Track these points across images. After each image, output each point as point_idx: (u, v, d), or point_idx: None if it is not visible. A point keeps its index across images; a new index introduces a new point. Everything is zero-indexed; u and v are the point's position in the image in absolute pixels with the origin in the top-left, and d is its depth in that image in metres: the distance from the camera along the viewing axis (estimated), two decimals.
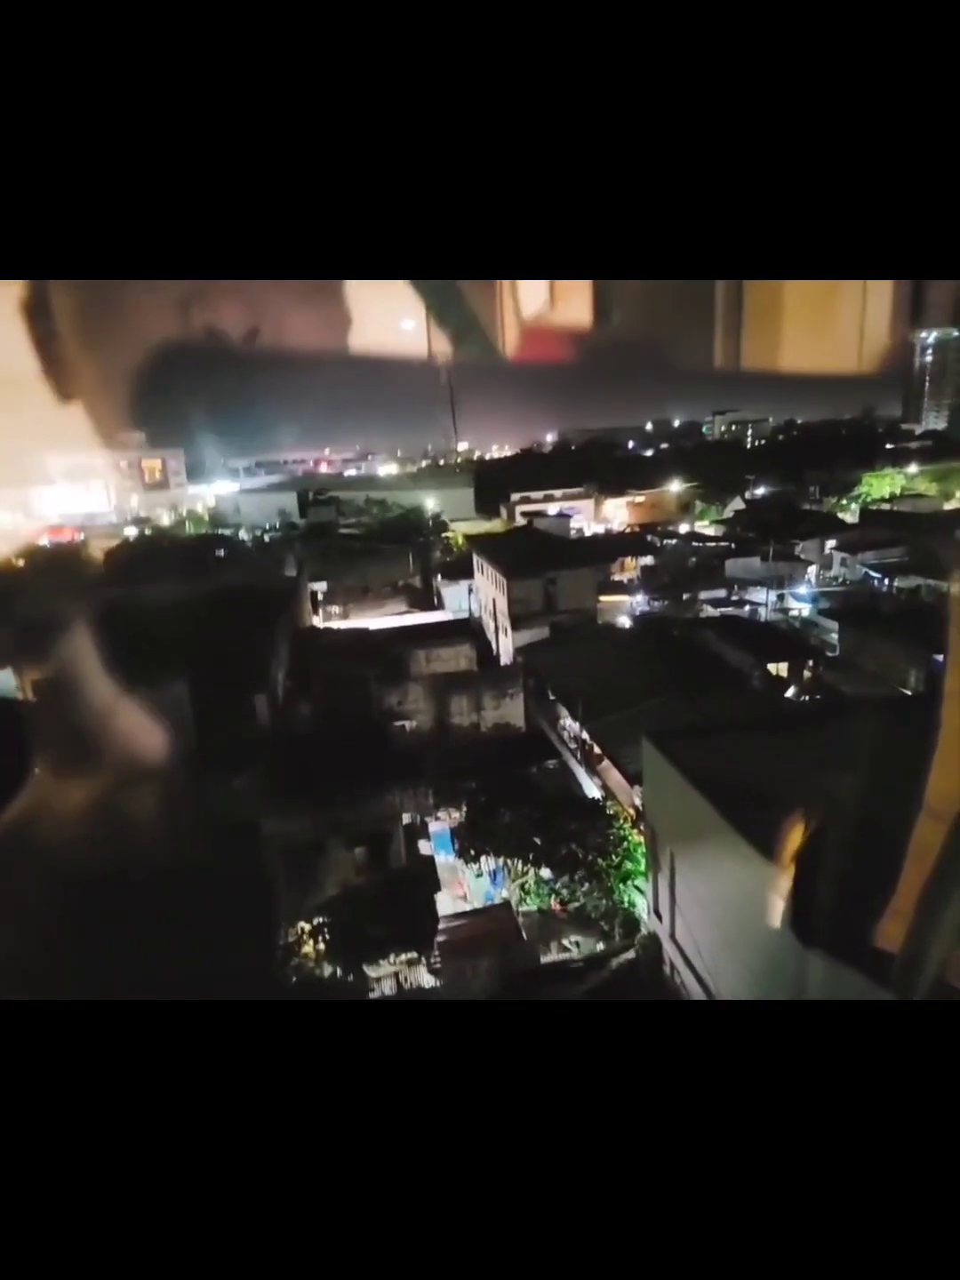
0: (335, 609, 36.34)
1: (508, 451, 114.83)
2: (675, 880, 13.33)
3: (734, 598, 34.05)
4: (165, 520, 69.97)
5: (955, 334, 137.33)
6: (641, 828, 15.28)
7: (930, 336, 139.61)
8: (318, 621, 34.33)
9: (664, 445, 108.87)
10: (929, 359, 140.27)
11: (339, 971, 13.52)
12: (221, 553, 47.28)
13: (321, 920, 14.00)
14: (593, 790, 19.42)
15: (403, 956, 13.90)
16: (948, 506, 52.17)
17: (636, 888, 15.00)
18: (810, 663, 24.83)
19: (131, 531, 61.45)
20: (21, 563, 45.20)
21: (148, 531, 61.61)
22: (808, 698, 23.07)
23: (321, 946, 13.65)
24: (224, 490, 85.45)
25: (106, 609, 25.83)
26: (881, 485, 61.25)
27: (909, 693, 22.62)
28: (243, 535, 59.41)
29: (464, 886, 17.03)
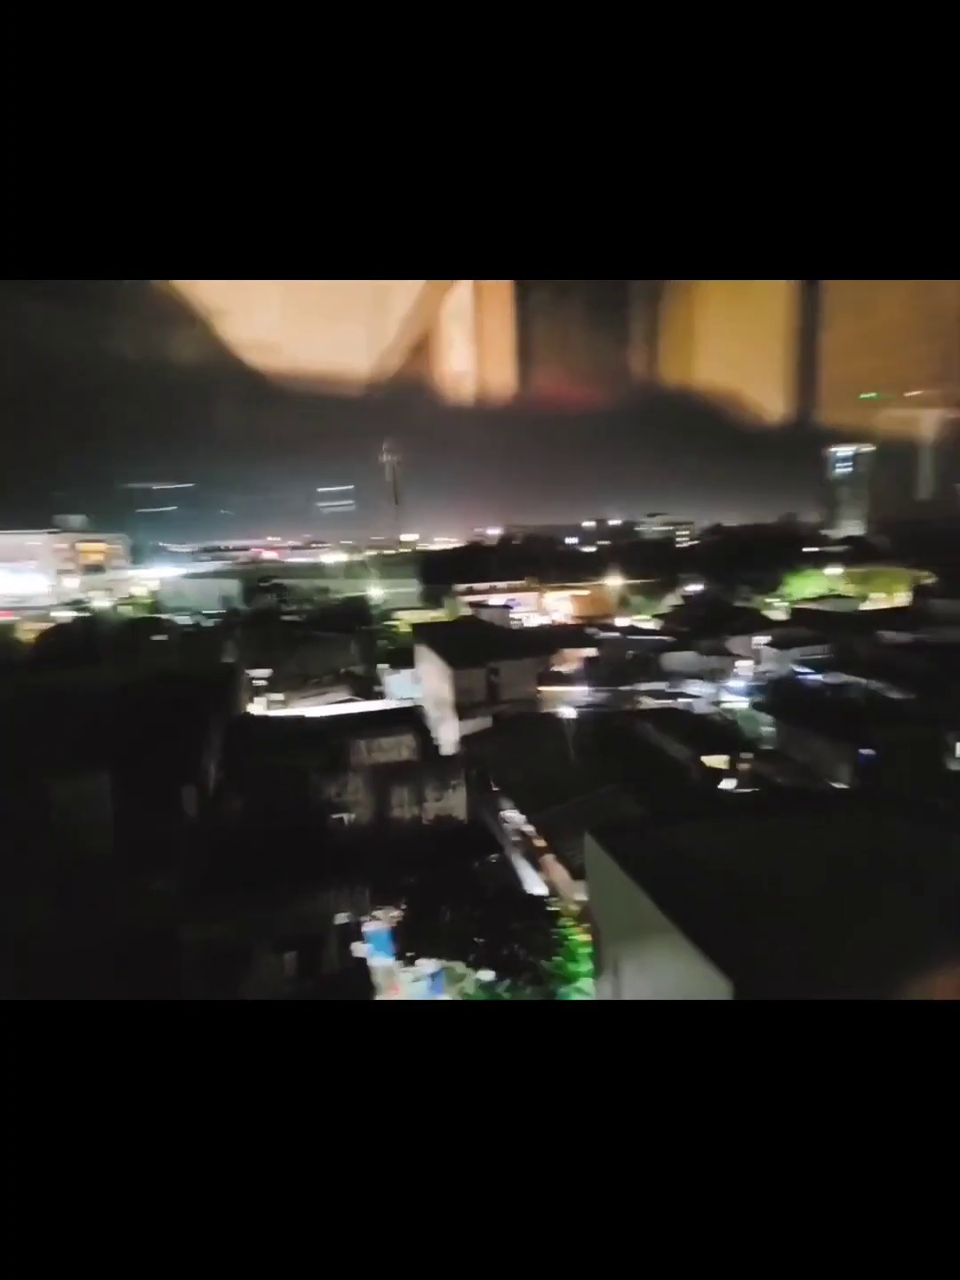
0: (276, 696, 35.51)
1: (453, 543, 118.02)
2: (621, 981, 12.89)
3: (671, 690, 34.92)
4: (103, 604, 68.20)
5: (867, 448, 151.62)
6: (586, 926, 14.85)
7: (844, 451, 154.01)
8: (257, 709, 33.40)
9: (602, 542, 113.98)
10: (845, 470, 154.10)
11: None
12: (160, 638, 46.11)
13: None
14: (536, 885, 18.89)
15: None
16: (865, 606, 55.70)
17: (580, 990, 14.40)
18: (745, 755, 25.36)
19: (66, 615, 59.55)
20: None
21: (83, 615, 59.81)
22: (744, 789, 23.40)
23: None
24: (167, 575, 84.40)
25: (29, 693, 24.54)
26: (806, 584, 65.32)
27: (840, 785, 23.25)
28: (183, 620, 58.35)
29: (400, 991, 16.01)
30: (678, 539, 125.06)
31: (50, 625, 53.04)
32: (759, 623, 46.65)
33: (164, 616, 60.17)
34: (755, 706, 32.17)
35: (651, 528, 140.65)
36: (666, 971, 11.19)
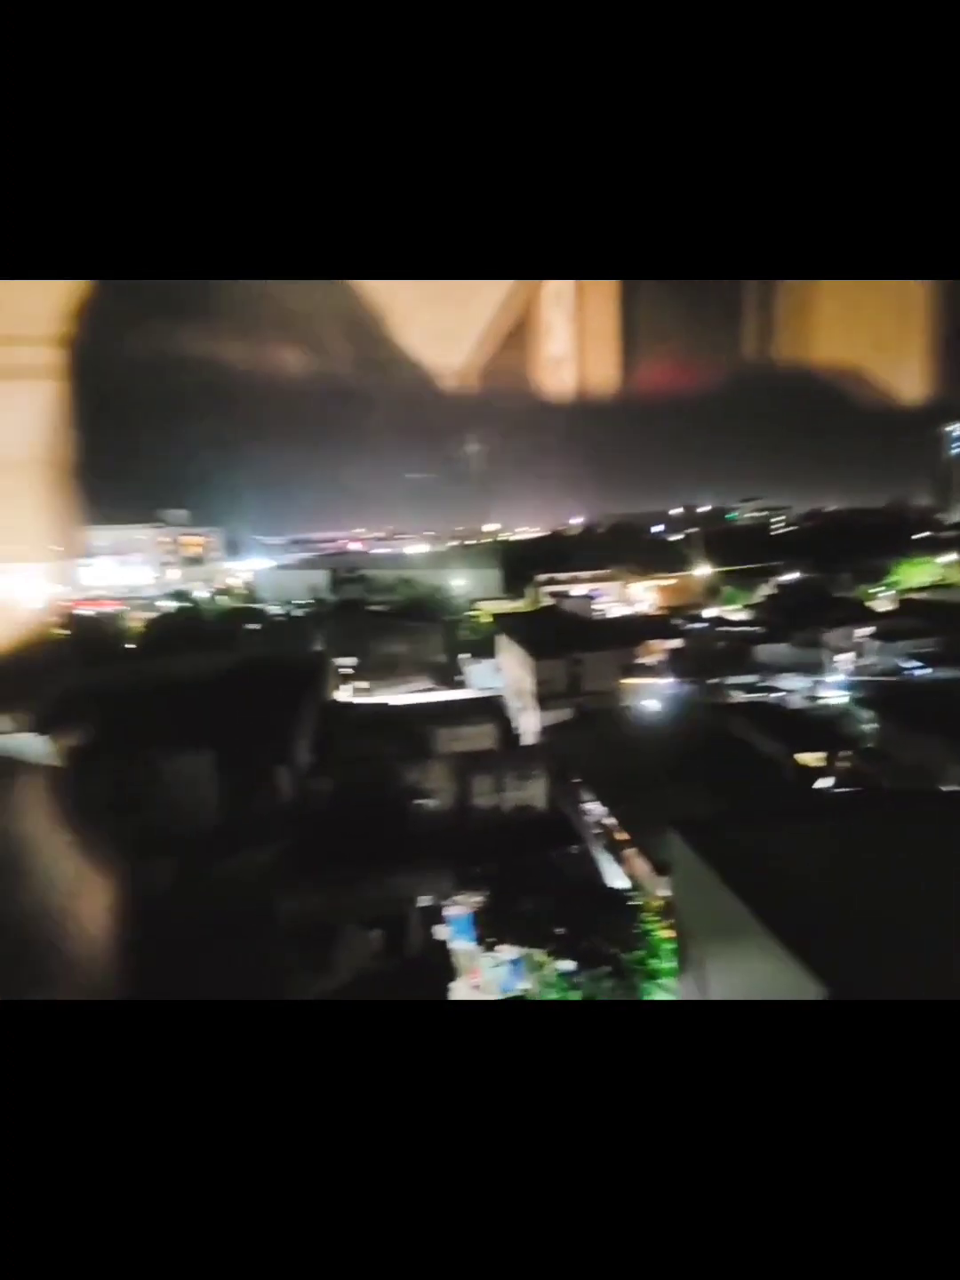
0: (361, 684, 36.60)
1: (535, 533, 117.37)
2: (705, 981, 12.59)
3: (763, 684, 33.57)
4: (201, 595, 72.15)
5: None
6: (669, 922, 14.58)
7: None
8: (344, 696, 34.54)
9: (691, 529, 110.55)
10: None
11: None
12: (253, 627, 48.37)
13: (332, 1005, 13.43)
14: (618, 879, 18.70)
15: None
16: None
17: (662, 987, 14.17)
18: (844, 753, 24.09)
19: (169, 605, 63.37)
20: (65, 633, 46.70)
21: (184, 605, 63.49)
22: (843, 789, 22.27)
23: None
24: (259, 566, 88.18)
25: (140, 679, 26.36)
26: (915, 574, 60.87)
27: (950, 788, 21.73)
28: (275, 610, 60.87)
29: (480, 976, 16.26)
30: (773, 525, 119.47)
31: (155, 614, 56.52)
32: (862, 614, 44.03)
33: (257, 606, 62.96)
34: (856, 702, 30.47)
35: (744, 513, 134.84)
36: (756, 973, 10.85)
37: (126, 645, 43.91)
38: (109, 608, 62.66)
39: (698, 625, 44.26)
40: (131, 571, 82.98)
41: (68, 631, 47.06)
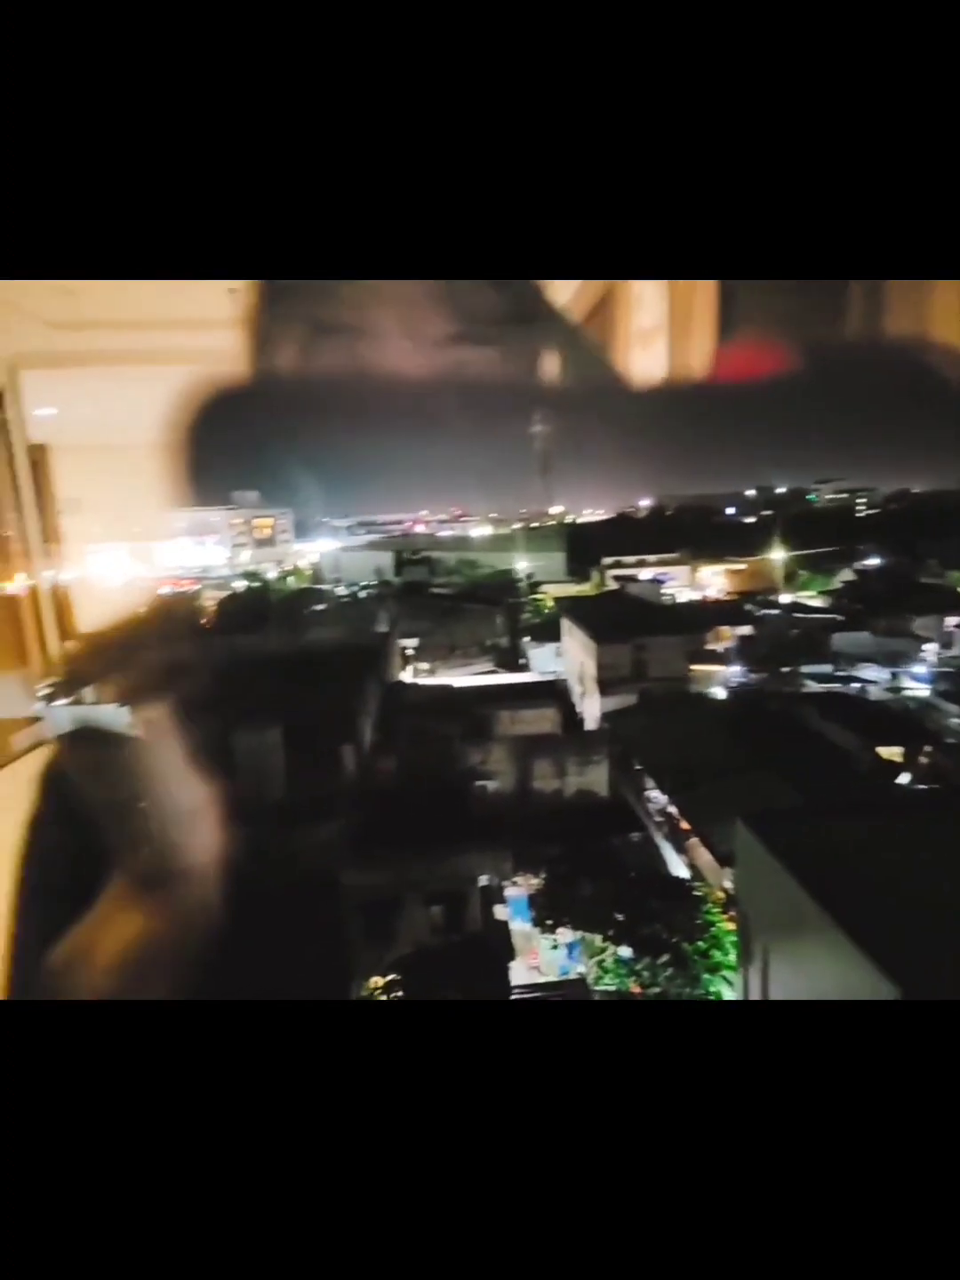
0: (424, 665, 37.03)
1: (601, 515, 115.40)
2: (769, 977, 12.27)
3: (840, 673, 32.16)
4: (271, 575, 74.35)
5: None
6: (733, 914, 14.27)
7: None
8: (407, 676, 35.04)
9: (767, 512, 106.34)
10: None
11: None
12: (319, 607, 49.56)
13: (394, 977, 13.77)
14: (679, 868, 18.40)
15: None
16: None
17: (725, 979, 13.91)
18: (927, 748, 22.88)
19: (240, 585, 65.62)
20: (144, 611, 49.06)
21: (254, 585, 65.60)
22: (924, 785, 21.18)
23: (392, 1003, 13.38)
24: (326, 548, 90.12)
25: (213, 655, 27.43)
26: None
27: None
28: (340, 591, 62.18)
29: (538, 957, 16.35)
30: (856, 507, 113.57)
31: (227, 594, 58.64)
32: (950, 601, 41.54)
33: (324, 587, 64.46)
34: (940, 695, 28.86)
35: (824, 495, 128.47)
36: (823, 971, 10.50)
37: (201, 623, 45.79)
38: (185, 587, 65.41)
39: (771, 611, 42.72)
40: (206, 552, 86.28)
41: (148, 609, 49.41)
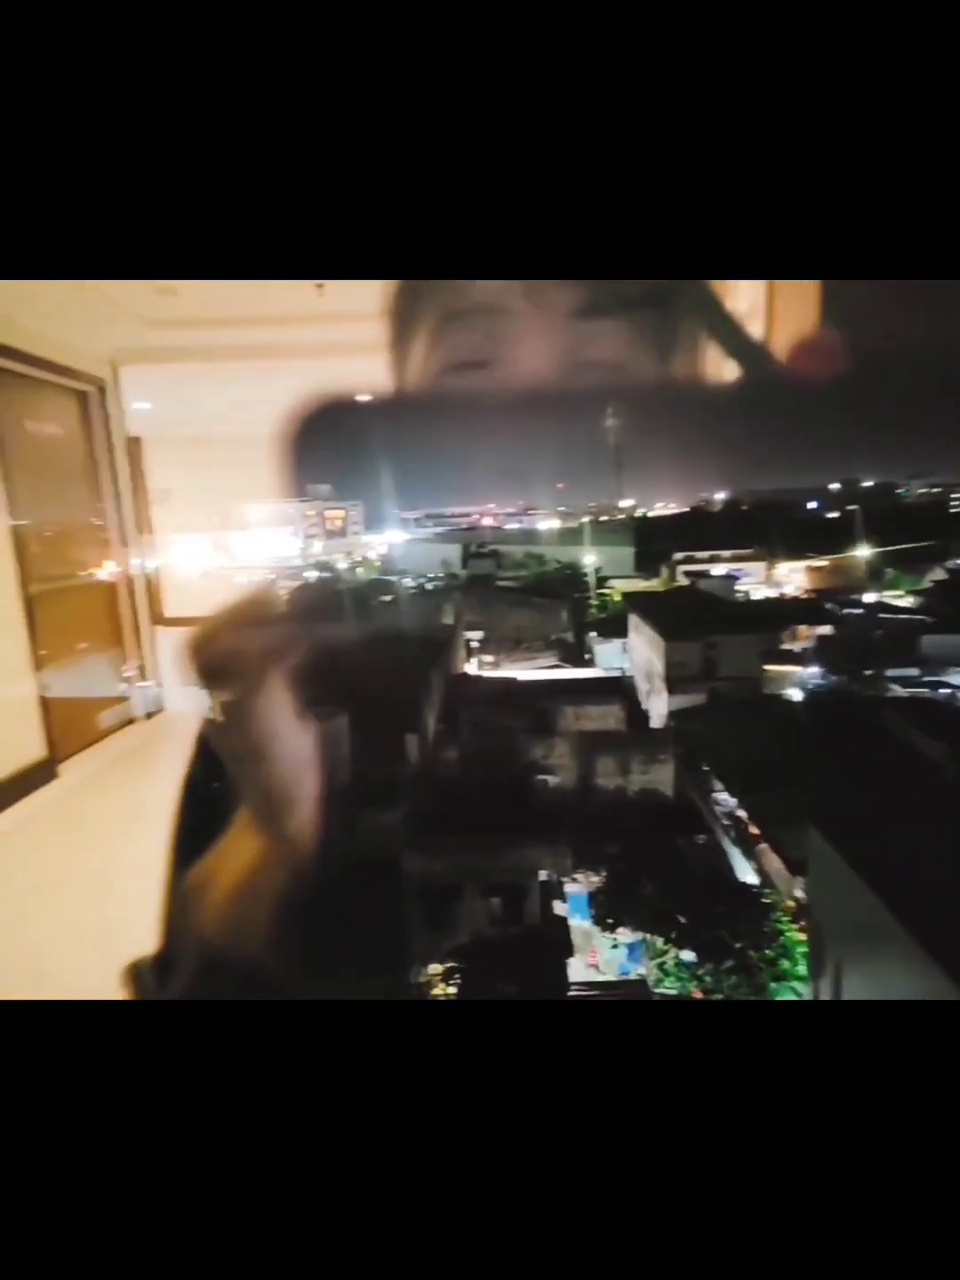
0: (488, 658, 37.16)
1: (673, 509, 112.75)
2: (841, 989, 11.79)
3: (928, 678, 30.39)
4: (341, 566, 76.04)
5: None
6: (804, 924, 13.76)
7: None
8: (471, 669, 35.24)
9: (852, 507, 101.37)
10: None
11: None
12: (387, 598, 50.38)
13: (453, 965, 13.94)
14: (747, 873, 17.87)
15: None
16: None
17: (794, 990, 13.44)
18: None
19: (312, 575, 67.39)
20: (221, 599, 51.06)
21: (325, 576, 67.22)
22: None
23: (452, 990, 13.55)
24: (395, 539, 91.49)
25: (285, 644, 28.31)
26: None
27: None
28: (407, 583, 63.00)
29: (597, 956, 16.23)
30: (951, 503, 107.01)
31: (299, 584, 60.40)
32: None
33: (391, 578, 65.47)
34: None
35: (915, 489, 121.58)
36: (899, 987, 10.02)
37: (274, 612, 47.25)
38: (261, 577, 67.64)
39: (854, 611, 40.75)
40: (281, 543, 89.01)
41: (224, 598, 51.36)
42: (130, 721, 8.61)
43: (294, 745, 2.25)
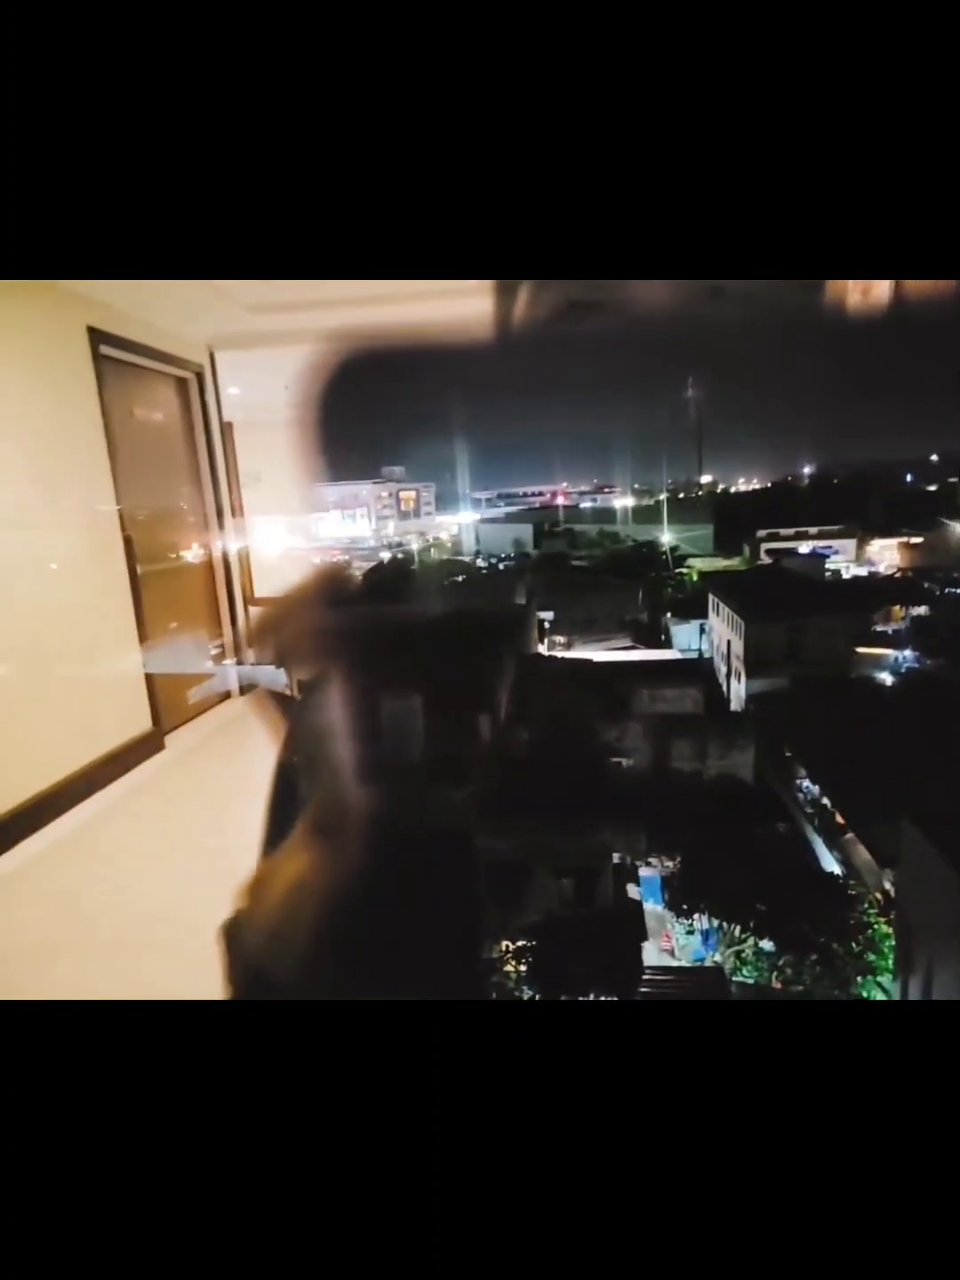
0: (560, 639, 36.89)
1: (755, 485, 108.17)
2: (931, 986, 11.22)
3: None
4: (415, 546, 76.94)
5: None
6: (892, 919, 13.13)
7: None
8: (544, 649, 35.10)
9: (953, 479, 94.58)
10: None
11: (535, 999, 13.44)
12: (460, 578, 50.69)
13: (525, 944, 14.06)
14: (831, 865, 17.18)
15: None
16: None
17: (879, 985, 12.89)
18: None
19: (386, 555, 68.50)
20: (299, 579, 52.70)
21: (400, 556, 68.23)
22: None
23: (523, 970, 13.69)
24: (466, 520, 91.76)
25: (360, 623, 29.05)
26: None
27: None
28: (480, 563, 63.13)
29: (672, 941, 16.02)
30: None
31: (373, 565, 61.51)
32: None
33: (464, 559, 65.76)
34: None
35: None
36: None
37: (350, 592, 48.40)
38: (335, 557, 69.36)
39: (953, 590, 38.13)
40: (354, 524, 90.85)
41: (301, 578, 52.96)
42: (227, 696, 9.04)
43: (366, 723, 2.28)
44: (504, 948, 14.06)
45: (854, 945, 13.20)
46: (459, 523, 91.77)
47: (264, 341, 8.69)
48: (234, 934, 2.53)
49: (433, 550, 78.17)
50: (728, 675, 28.50)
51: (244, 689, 9.06)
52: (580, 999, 12.66)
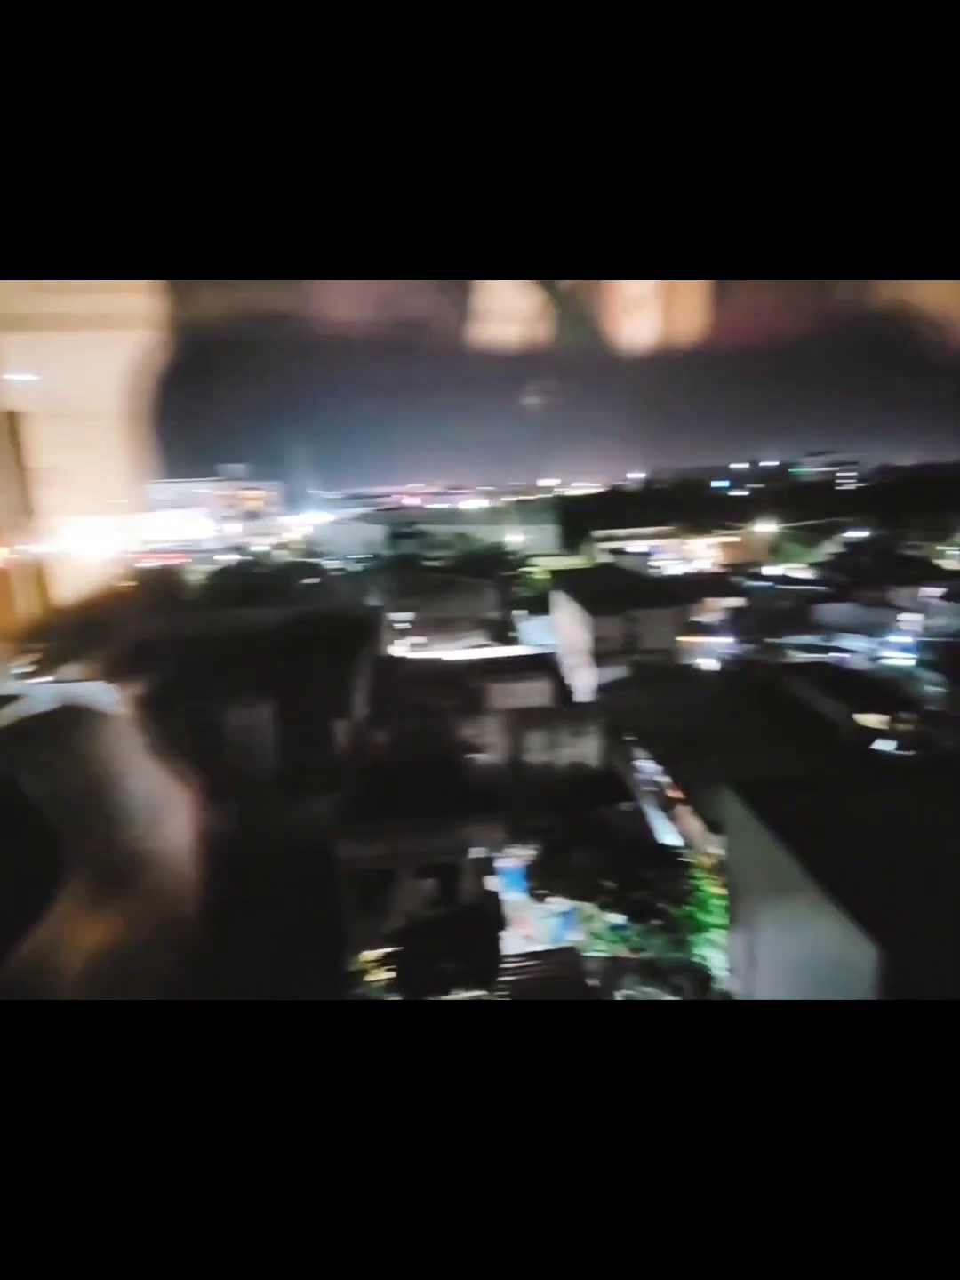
0: (416, 639, 37.00)
1: (593, 488, 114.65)
2: (756, 938, 12.58)
3: (826, 644, 32.44)
4: (260, 548, 73.61)
5: None
6: (721, 880, 14.57)
7: None
8: (399, 651, 35.01)
9: (755, 485, 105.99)
10: None
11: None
12: (311, 581, 49.14)
13: (390, 950, 13.98)
14: (669, 836, 18.71)
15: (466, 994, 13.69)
16: None
17: (711, 942, 14.24)
18: (906, 715, 23.21)
19: (228, 558, 64.91)
20: (129, 585, 48.52)
21: (243, 559, 64.93)
22: (903, 751, 21.55)
23: (389, 975, 13.61)
24: (316, 521, 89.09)
25: (201, 631, 27.31)
26: None
27: None
28: (331, 565, 61.66)
29: (531, 926, 16.65)
30: (840, 480, 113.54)
31: (215, 568, 57.98)
32: (931, 573, 41.84)
33: (314, 560, 63.88)
34: (921, 663, 29.21)
35: (811, 468, 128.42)
36: (808, 932, 10.78)
37: (189, 598, 45.41)
38: (171, 561, 64.61)
39: (760, 583, 42.86)
40: (192, 525, 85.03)
41: (132, 583, 48.87)
42: (29, 716, 8.15)
43: (207, 738, 2.19)
44: (366, 958, 13.89)
45: (689, 908, 14.50)
46: (309, 523, 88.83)
47: (64, 325, 7.94)
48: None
49: (280, 552, 75.13)
50: (575, 667, 30.08)
51: (52, 709, 8.25)
52: (579, 1000, 12.73)
